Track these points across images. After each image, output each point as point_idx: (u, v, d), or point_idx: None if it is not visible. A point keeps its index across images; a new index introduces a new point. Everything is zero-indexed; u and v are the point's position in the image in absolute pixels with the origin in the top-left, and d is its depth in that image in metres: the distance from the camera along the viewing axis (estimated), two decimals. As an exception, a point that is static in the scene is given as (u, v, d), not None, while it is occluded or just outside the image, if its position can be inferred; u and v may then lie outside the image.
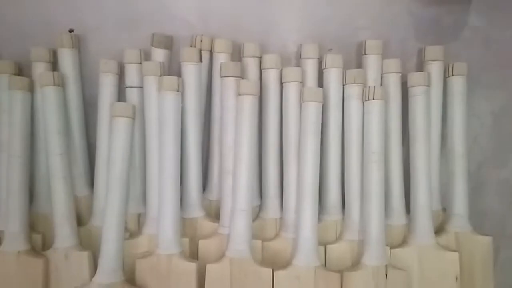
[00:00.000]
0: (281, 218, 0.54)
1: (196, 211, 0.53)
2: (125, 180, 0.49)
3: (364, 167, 0.51)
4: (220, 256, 0.50)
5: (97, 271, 0.48)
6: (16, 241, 0.50)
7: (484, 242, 0.53)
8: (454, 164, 0.53)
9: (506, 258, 0.72)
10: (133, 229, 0.54)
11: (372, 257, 0.49)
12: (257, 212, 0.55)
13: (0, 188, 0.53)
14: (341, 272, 0.49)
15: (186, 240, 0.52)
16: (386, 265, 0.49)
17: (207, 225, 0.54)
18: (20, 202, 0.50)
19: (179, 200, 0.50)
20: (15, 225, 0.50)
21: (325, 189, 0.54)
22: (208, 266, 0.49)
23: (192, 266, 0.49)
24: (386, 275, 0.48)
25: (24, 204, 0.51)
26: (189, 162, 0.53)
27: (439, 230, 0.54)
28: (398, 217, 0.53)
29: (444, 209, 0.56)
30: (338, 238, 0.53)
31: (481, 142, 0.60)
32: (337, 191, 0.54)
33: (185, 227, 0.53)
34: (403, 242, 0.52)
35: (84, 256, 0.50)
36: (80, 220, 0.54)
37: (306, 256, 0.49)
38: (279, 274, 0.49)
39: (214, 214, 0.55)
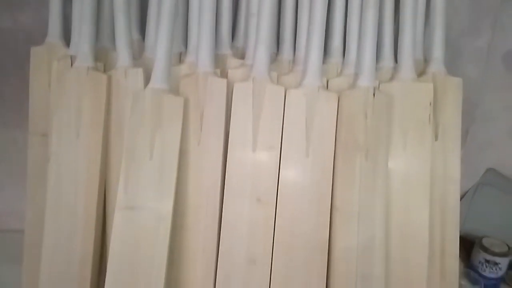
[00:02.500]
0: (294, 60, 0.68)
1: (226, 49, 0.67)
2: (173, 15, 0.62)
3: (362, 12, 0.64)
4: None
5: (150, 81, 0.62)
6: (86, 59, 0.64)
7: (455, 81, 0.66)
8: (435, 18, 0.66)
9: (477, 126, 0.85)
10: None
11: (364, 80, 0.62)
12: (275, 57, 0.69)
13: (74, 25, 0.68)
14: (339, 92, 0.63)
15: (217, 70, 0.65)
16: (374, 87, 0.62)
17: (234, 61, 0.68)
18: (90, 29, 0.64)
19: (214, 31, 0.64)
20: (85, 47, 0.64)
21: (330, 35, 0.67)
22: (236, 84, 0.63)
23: (223, 81, 0.63)
24: (374, 95, 0.62)
25: (93, 31, 0.64)
26: (222, 8, 0.66)
27: (420, 74, 0.67)
28: (388, 61, 0.67)
29: (425, 60, 0.69)
30: (339, 74, 0.67)
31: (461, 14, 0.72)
32: (340, 37, 0.67)
33: (217, 61, 0.66)
34: (390, 79, 0.66)
35: (139, 72, 0.64)
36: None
37: (311, 78, 0.63)
38: (290, 91, 0.63)
39: (241, 57, 0.69)
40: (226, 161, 0.62)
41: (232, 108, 0.63)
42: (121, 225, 0.59)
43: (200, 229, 0.62)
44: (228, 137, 0.62)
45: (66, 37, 0.69)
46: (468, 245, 0.85)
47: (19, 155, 0.78)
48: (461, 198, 0.72)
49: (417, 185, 0.63)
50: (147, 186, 0.59)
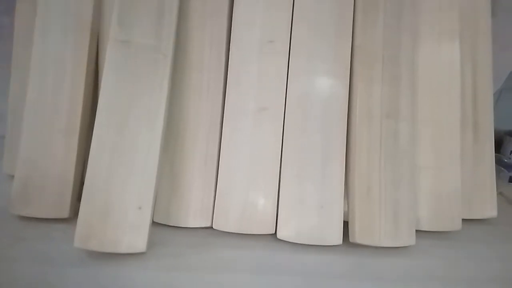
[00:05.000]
0: None
1: None
2: None
3: None
4: None
5: None
6: None
7: None
8: None
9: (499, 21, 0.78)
10: None
11: None
12: None
13: None
14: None
15: None
16: None
17: None
18: None
19: None
20: None
21: None
22: None
23: None
24: None
25: None
26: None
27: None
28: None
29: None
30: None
31: None
32: None
33: None
34: None
35: None
36: None
37: None
38: None
39: None
40: (232, 2, 0.56)
41: None
42: (114, 60, 0.51)
43: (204, 68, 0.55)
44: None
45: None
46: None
47: (5, 44, 0.71)
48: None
49: (445, 29, 0.57)
50: (145, 18, 0.52)
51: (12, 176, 0.62)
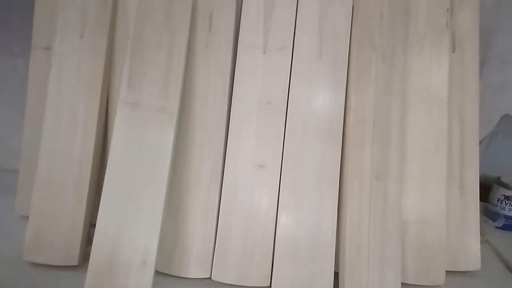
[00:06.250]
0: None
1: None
2: None
3: None
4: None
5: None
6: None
7: (472, -9, 0.64)
8: None
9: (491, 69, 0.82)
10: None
11: None
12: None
13: None
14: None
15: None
16: (390, -11, 0.60)
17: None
18: None
19: None
20: None
21: None
22: (247, -16, 0.61)
23: (234, -19, 0.61)
24: (390, -4, 0.60)
25: None
26: None
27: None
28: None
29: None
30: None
31: None
32: None
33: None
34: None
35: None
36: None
37: None
38: (303, -8, 0.61)
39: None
40: (235, 64, 0.60)
41: (243, 8, 0.60)
42: (124, 121, 0.55)
43: (207, 125, 0.59)
44: (238, 40, 0.60)
45: None
46: (484, 191, 0.81)
47: (19, 85, 0.75)
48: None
49: (434, 90, 0.61)
50: (153, 81, 0.56)
51: (24, 217, 0.66)
